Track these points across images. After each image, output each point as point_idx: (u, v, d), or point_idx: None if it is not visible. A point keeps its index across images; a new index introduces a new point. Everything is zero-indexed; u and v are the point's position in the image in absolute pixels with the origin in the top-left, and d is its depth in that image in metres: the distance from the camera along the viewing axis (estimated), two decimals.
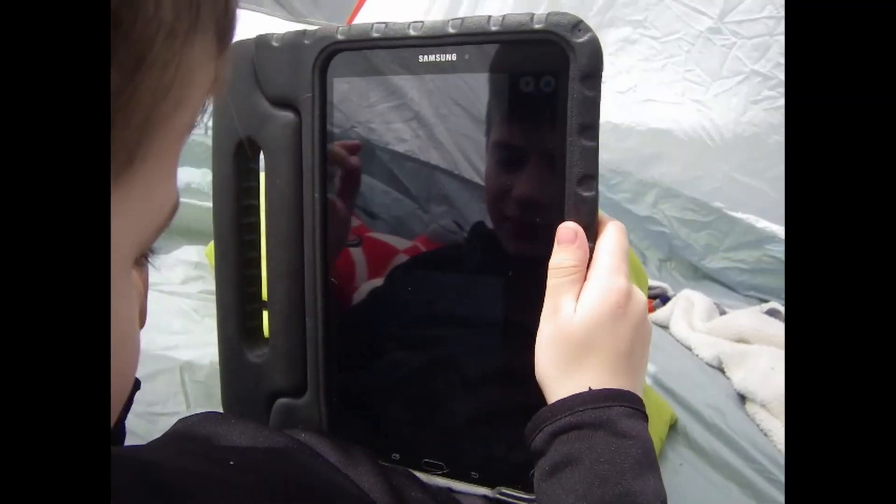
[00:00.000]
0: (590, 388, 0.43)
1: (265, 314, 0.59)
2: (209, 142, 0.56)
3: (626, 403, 0.43)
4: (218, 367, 0.70)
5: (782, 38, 1.44)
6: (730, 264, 1.62)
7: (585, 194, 0.46)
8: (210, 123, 0.57)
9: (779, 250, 1.55)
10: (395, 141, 0.53)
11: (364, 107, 0.52)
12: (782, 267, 1.54)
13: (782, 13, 1.43)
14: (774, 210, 1.55)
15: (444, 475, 0.54)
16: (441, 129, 0.51)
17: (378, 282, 0.56)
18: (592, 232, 0.47)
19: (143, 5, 0.19)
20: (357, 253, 0.55)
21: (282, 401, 0.57)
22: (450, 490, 0.53)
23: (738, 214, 1.58)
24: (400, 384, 0.55)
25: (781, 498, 0.86)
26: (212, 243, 0.99)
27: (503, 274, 0.51)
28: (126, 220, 0.22)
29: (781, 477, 0.90)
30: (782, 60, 1.46)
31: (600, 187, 1.67)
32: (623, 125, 1.66)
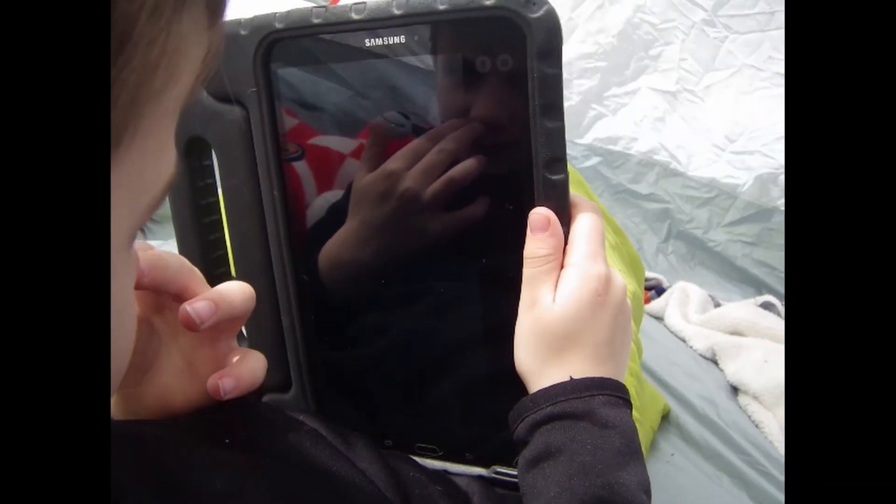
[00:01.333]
0: (571, 378, 0.43)
1: None
2: None
3: (609, 392, 0.43)
4: None
5: (775, 34, 1.45)
6: (732, 238, 1.64)
7: (554, 178, 0.44)
8: None
9: (778, 222, 1.56)
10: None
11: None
12: (781, 240, 1.55)
13: (774, 9, 1.44)
14: (771, 189, 1.57)
15: (438, 458, 0.54)
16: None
17: (333, 195, 0.52)
18: (565, 216, 0.45)
19: (138, 12, 0.19)
20: (301, 166, 0.51)
21: (269, 396, 0.56)
22: (445, 472, 0.53)
23: (739, 191, 1.59)
24: (386, 371, 0.55)
25: (771, 489, 0.87)
26: None
27: (473, 266, 0.49)
28: (120, 198, 0.22)
29: (771, 468, 0.91)
30: (774, 55, 1.47)
31: (603, 168, 1.68)
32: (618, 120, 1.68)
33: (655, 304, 1.37)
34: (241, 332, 0.58)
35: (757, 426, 1.02)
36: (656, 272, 1.63)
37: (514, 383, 0.46)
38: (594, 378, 0.43)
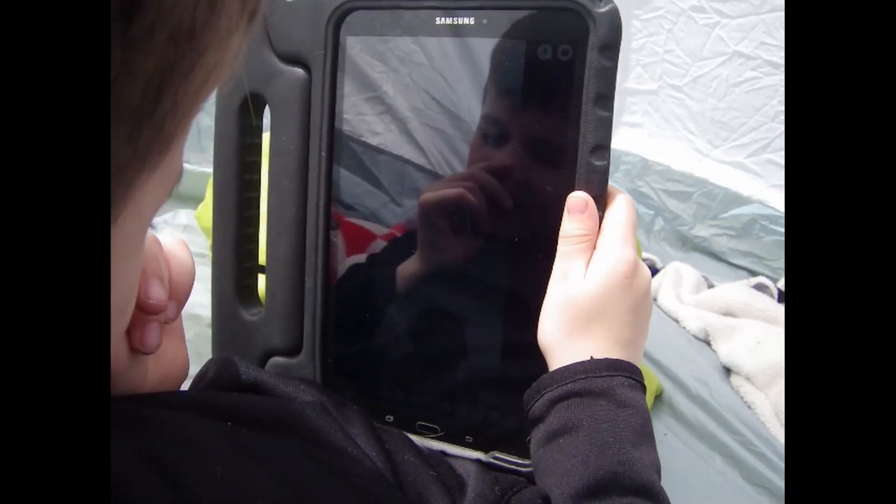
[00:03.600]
0: (591, 357, 0.44)
1: (260, 277, 0.59)
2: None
3: (627, 374, 0.44)
4: (206, 327, 0.70)
5: (768, 17, 1.43)
6: (718, 231, 1.63)
7: (598, 163, 0.46)
8: None
9: (764, 213, 1.56)
10: (368, 134, 0.53)
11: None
12: (768, 231, 1.55)
13: None
14: (760, 182, 1.56)
15: (437, 438, 0.54)
16: (415, 124, 0.52)
17: (361, 258, 0.56)
18: (602, 202, 0.47)
19: (217, 23, 0.21)
20: (335, 235, 0.55)
21: (276, 359, 0.57)
22: (443, 453, 0.53)
23: (723, 183, 1.58)
24: (397, 347, 0.55)
25: (763, 468, 0.87)
26: (202, 206, 0.98)
27: (502, 245, 0.51)
28: (155, 195, 0.24)
29: (764, 448, 0.91)
30: (767, 40, 1.44)
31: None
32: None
33: None
34: (258, 295, 0.60)
35: (749, 407, 1.02)
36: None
37: (523, 373, 0.47)
38: (613, 359, 0.44)
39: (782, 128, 1.49)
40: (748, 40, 1.47)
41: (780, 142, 1.50)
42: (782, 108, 1.47)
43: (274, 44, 0.53)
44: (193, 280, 0.42)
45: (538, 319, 0.47)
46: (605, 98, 0.46)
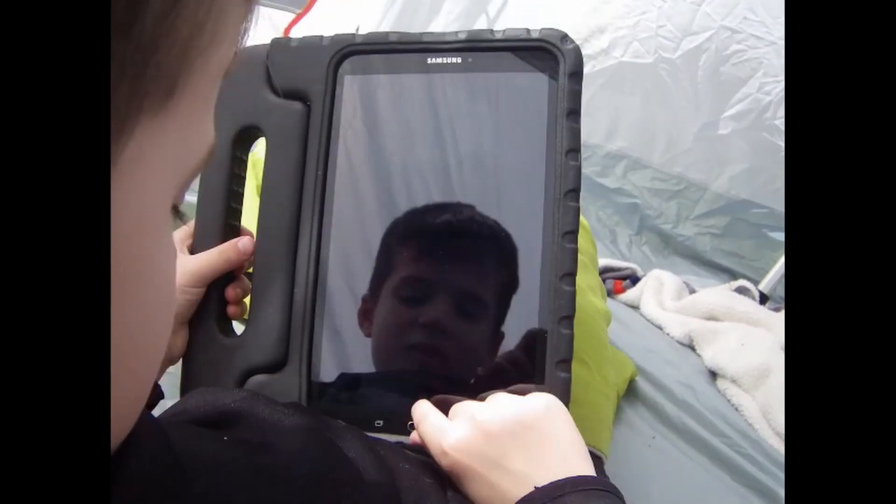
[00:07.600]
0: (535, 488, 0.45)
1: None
2: None
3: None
4: None
5: None
6: (701, 230, 1.65)
7: (572, 163, 0.55)
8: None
9: (748, 214, 1.58)
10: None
11: None
12: (751, 230, 1.57)
13: None
14: (743, 177, 1.58)
15: None
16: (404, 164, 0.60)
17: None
18: (575, 195, 0.55)
19: None
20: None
21: (257, 378, 0.57)
22: None
23: (708, 182, 1.61)
24: (387, 354, 0.57)
25: (752, 469, 0.88)
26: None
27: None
28: (165, 156, 0.22)
29: (752, 450, 0.91)
30: (749, 15, 1.52)
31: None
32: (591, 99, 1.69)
33: (631, 293, 1.37)
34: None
35: (737, 409, 1.03)
36: (631, 262, 1.63)
37: (508, 374, 0.54)
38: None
39: (767, 98, 1.55)
40: (732, 16, 1.54)
41: (768, 112, 1.56)
42: (767, 79, 1.54)
43: (274, 82, 0.60)
44: None
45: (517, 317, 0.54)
46: (575, 112, 0.56)
